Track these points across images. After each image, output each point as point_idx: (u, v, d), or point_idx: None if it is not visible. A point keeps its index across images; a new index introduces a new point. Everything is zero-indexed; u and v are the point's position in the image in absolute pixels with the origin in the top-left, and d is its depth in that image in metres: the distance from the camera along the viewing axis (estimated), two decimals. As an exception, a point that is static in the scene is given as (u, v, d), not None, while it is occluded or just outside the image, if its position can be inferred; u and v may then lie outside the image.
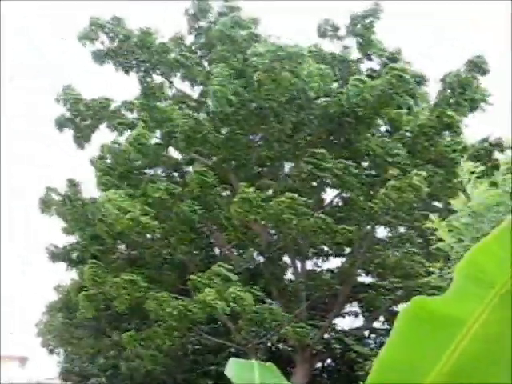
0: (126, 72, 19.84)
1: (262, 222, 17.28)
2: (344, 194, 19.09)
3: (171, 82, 20.53)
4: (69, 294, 20.52)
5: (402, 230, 20.19)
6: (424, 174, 15.94)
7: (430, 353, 1.41)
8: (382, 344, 23.27)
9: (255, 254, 21.11)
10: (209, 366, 21.28)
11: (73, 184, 19.82)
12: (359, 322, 22.92)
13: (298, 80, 16.69)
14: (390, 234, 20.25)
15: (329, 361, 23.40)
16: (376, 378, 1.47)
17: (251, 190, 16.30)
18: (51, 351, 23.33)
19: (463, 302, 1.36)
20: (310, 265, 21.05)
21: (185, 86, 20.92)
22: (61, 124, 20.19)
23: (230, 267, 16.83)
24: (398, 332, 1.44)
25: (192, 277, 16.53)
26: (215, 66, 17.78)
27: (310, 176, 18.50)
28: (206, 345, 21.01)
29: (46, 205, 19.73)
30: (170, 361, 20.06)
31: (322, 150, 17.05)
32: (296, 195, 16.26)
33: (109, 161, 19.67)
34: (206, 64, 20.34)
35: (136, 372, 21.19)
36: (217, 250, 22.11)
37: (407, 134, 18.20)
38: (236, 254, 20.60)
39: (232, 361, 2.64)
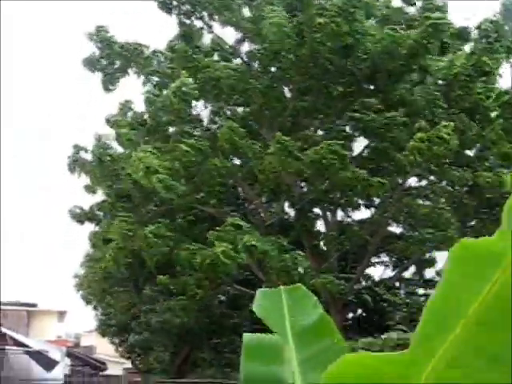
0: (168, 11, 19.43)
1: (297, 173, 17.12)
2: (375, 145, 18.86)
3: (210, 27, 20.01)
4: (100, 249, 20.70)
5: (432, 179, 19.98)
6: (452, 125, 15.66)
7: (477, 295, 1.35)
8: (411, 293, 23.42)
9: (286, 206, 21.12)
10: (239, 316, 21.63)
11: (100, 140, 19.74)
12: (389, 272, 23.04)
13: (356, 32, 16.47)
14: (420, 185, 20.05)
15: (360, 311, 23.58)
16: (424, 326, 1.42)
17: (288, 138, 16.11)
18: (88, 304, 23.82)
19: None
20: (340, 216, 21.03)
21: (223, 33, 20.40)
22: (90, 63, 19.96)
23: (244, 222, 16.59)
24: (445, 277, 1.38)
25: (210, 232, 16.53)
26: (265, 5, 17.29)
27: (343, 127, 18.30)
28: (236, 295, 21.29)
29: (74, 163, 19.72)
30: (201, 313, 20.38)
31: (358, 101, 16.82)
32: (335, 145, 16.03)
33: (130, 115, 19.50)
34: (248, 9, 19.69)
35: (168, 324, 21.62)
36: (246, 204, 22.14)
37: (442, 82, 17.80)
38: (266, 206, 20.61)
39: (258, 292, 2.60)
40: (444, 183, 19.07)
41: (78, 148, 19.95)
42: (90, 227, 21.84)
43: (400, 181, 18.99)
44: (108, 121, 19.84)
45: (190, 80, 17.06)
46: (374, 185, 16.36)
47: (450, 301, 1.37)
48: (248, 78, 17.73)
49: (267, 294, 2.61)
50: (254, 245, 15.60)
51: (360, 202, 20.42)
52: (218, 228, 16.35)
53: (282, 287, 2.61)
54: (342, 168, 15.96)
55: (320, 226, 21.35)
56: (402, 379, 1.41)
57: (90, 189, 20.26)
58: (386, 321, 19.80)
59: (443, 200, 18.23)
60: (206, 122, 20.76)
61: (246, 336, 2.33)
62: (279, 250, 16.20)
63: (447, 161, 16.82)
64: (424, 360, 1.40)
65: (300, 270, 16.28)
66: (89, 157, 19.78)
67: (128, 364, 29.19)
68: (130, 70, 19.89)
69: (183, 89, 17.01)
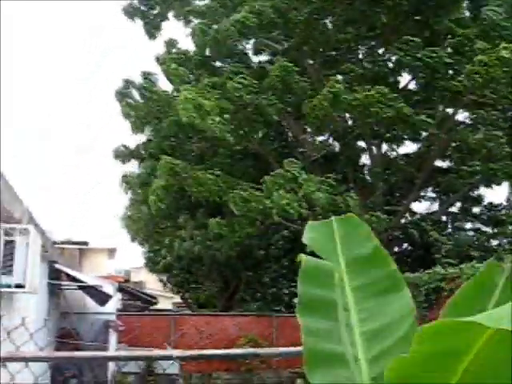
0: None
1: (346, 112, 16.86)
2: (422, 77, 18.27)
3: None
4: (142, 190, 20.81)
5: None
6: None
7: None
8: (458, 228, 23.17)
9: (331, 140, 20.90)
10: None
11: (147, 76, 19.61)
12: (435, 207, 22.77)
13: None
14: (473, 115, 19.41)
15: (405, 245, 23.52)
16: None
17: (340, 85, 15.77)
18: (135, 241, 24.35)
19: None
20: (385, 149, 20.72)
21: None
22: (129, 12, 19.89)
23: (299, 163, 16.42)
24: None
25: (266, 177, 16.38)
26: None
27: (386, 59, 17.77)
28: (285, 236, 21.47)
29: (123, 96, 19.67)
30: (251, 249, 20.63)
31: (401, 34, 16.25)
32: (385, 88, 15.66)
33: (175, 55, 19.33)
34: None
35: (217, 260, 22.01)
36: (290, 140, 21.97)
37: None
38: (311, 141, 20.42)
39: (309, 224, 2.55)
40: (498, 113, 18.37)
41: (128, 82, 19.88)
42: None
43: (450, 112, 18.49)
44: (157, 59, 19.79)
45: (250, 14, 16.76)
46: (416, 123, 15.98)
47: None
48: (289, 9, 17.29)
49: (318, 225, 2.56)
50: (312, 191, 15.51)
51: (405, 135, 20.07)
52: (272, 173, 16.28)
53: (333, 218, 2.56)
54: (389, 106, 15.60)
55: (365, 160, 21.15)
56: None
57: (137, 128, 20.26)
58: (433, 255, 19.71)
59: (495, 132, 17.63)
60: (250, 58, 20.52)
61: (304, 258, 2.31)
62: (329, 192, 16.05)
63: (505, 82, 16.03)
64: None
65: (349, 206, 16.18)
66: (136, 95, 19.76)
67: (177, 298, 30.06)
68: (169, 15, 19.70)
69: (243, 21, 16.75)
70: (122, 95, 19.65)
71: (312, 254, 2.42)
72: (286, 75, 16.50)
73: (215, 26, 17.94)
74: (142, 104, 19.33)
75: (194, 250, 21.22)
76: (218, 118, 15.87)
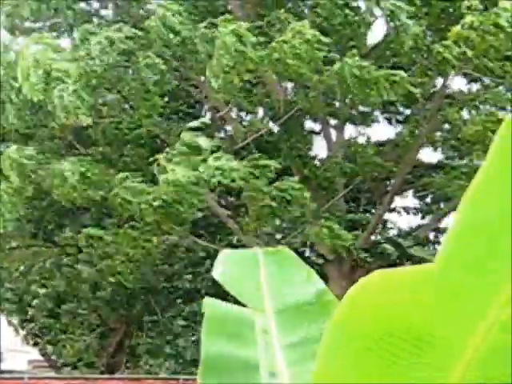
0: None
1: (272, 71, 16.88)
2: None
3: None
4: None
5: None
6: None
7: None
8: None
9: (267, 119, 20.96)
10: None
11: None
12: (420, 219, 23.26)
13: None
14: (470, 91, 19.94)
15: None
16: (455, 234, 1.41)
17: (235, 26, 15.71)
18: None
19: None
20: (349, 134, 20.94)
21: None
22: None
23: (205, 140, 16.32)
24: (490, 169, 1.36)
25: (158, 156, 16.31)
26: None
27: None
28: (195, 251, 21.50)
29: None
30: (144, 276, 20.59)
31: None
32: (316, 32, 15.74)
33: None
34: None
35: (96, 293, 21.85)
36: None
37: None
38: (237, 118, 20.42)
39: (223, 254, 2.54)
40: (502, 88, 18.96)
41: None
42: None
43: (439, 84, 18.91)
44: None
45: None
46: (398, 81, 16.18)
47: (502, 199, 1.34)
48: None
49: (236, 256, 2.57)
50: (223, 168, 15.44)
51: (378, 114, 20.38)
52: (167, 150, 16.15)
53: (258, 248, 2.57)
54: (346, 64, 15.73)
55: (320, 148, 21.27)
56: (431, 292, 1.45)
57: None
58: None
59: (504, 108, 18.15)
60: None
61: (208, 303, 2.31)
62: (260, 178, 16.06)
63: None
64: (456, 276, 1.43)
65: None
66: None
67: (35, 354, 29.51)
68: None
69: None
70: None
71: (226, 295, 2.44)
72: (172, 23, 16.44)
73: None
74: None
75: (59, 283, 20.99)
76: (71, 87, 15.64)
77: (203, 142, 15.85)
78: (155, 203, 15.93)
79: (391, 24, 17.21)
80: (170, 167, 15.51)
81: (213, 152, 15.81)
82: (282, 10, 17.43)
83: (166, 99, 18.77)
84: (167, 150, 16.10)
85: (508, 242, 1.34)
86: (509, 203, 1.34)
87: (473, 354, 1.43)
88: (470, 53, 15.73)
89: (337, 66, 15.73)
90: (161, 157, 15.92)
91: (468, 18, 15.73)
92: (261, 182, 15.89)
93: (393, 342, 1.48)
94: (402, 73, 16.17)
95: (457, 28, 15.70)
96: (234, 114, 20.16)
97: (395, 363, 1.50)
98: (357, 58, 16.02)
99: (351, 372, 1.55)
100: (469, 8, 15.91)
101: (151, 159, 16.49)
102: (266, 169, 16.15)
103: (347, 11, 16.64)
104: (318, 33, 15.47)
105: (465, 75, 18.82)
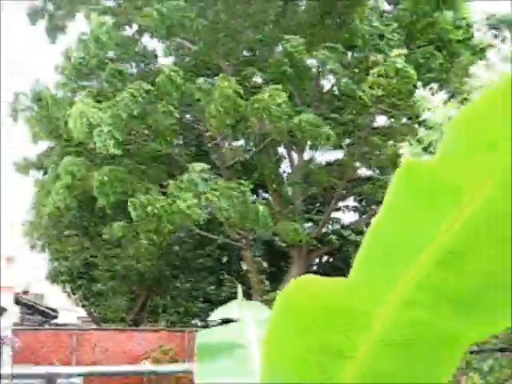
0: None
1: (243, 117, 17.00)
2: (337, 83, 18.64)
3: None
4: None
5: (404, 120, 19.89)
6: (404, 51, 15.76)
7: (426, 227, 1.30)
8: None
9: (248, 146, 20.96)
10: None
11: (37, 83, 18.98)
12: (357, 217, 23.33)
13: None
14: (386, 124, 20.05)
15: (326, 257, 23.96)
16: (364, 255, 1.37)
17: (228, 83, 15.83)
18: (35, 250, 23.66)
19: (464, 168, 1.23)
20: (307, 157, 21.01)
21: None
22: (33, 15, 19.55)
23: (205, 167, 16.46)
24: (388, 203, 1.32)
25: (170, 182, 16.35)
26: None
27: (298, 62, 18.05)
28: (198, 239, 21.43)
29: (14, 110, 19.08)
30: (160, 258, 20.45)
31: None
32: (280, 88, 15.87)
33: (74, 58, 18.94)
34: None
35: (125, 270, 21.70)
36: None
37: (404, 13, 17.76)
38: (227, 145, 20.45)
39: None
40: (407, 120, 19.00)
41: (17, 94, 19.18)
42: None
43: (367, 120, 19.01)
44: (56, 68, 19.48)
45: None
46: (322, 133, 16.31)
47: (399, 229, 1.31)
48: (195, 13, 17.38)
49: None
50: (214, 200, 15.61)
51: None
52: (177, 180, 16.19)
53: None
54: (289, 116, 15.92)
55: (286, 168, 21.36)
56: (346, 305, 1.38)
57: (36, 137, 19.56)
58: (352, 266, 20.16)
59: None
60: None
61: (201, 334, 2.12)
62: (240, 200, 16.10)
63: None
64: (367, 288, 1.37)
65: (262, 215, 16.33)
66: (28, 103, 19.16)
67: (82, 312, 29.37)
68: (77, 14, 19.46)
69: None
70: (16, 109, 18.99)
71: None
72: (179, 81, 16.50)
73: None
74: (34, 111, 18.75)
75: (98, 259, 20.88)
76: (106, 129, 15.72)
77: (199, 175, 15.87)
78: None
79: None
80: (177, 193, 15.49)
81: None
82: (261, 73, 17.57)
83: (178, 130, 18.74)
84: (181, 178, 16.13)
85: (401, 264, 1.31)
86: (404, 233, 1.31)
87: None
88: (380, 93, 15.77)
89: (296, 119, 15.91)
90: (173, 183, 16.02)
91: (375, 69, 15.92)
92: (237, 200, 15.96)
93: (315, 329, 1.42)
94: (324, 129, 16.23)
95: (370, 77, 15.79)
96: (226, 143, 20.12)
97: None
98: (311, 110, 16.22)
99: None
100: (373, 62, 16.07)
101: (166, 182, 16.64)
102: (241, 185, 16.23)
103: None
104: (285, 97, 15.58)
105: (382, 112, 18.82)
